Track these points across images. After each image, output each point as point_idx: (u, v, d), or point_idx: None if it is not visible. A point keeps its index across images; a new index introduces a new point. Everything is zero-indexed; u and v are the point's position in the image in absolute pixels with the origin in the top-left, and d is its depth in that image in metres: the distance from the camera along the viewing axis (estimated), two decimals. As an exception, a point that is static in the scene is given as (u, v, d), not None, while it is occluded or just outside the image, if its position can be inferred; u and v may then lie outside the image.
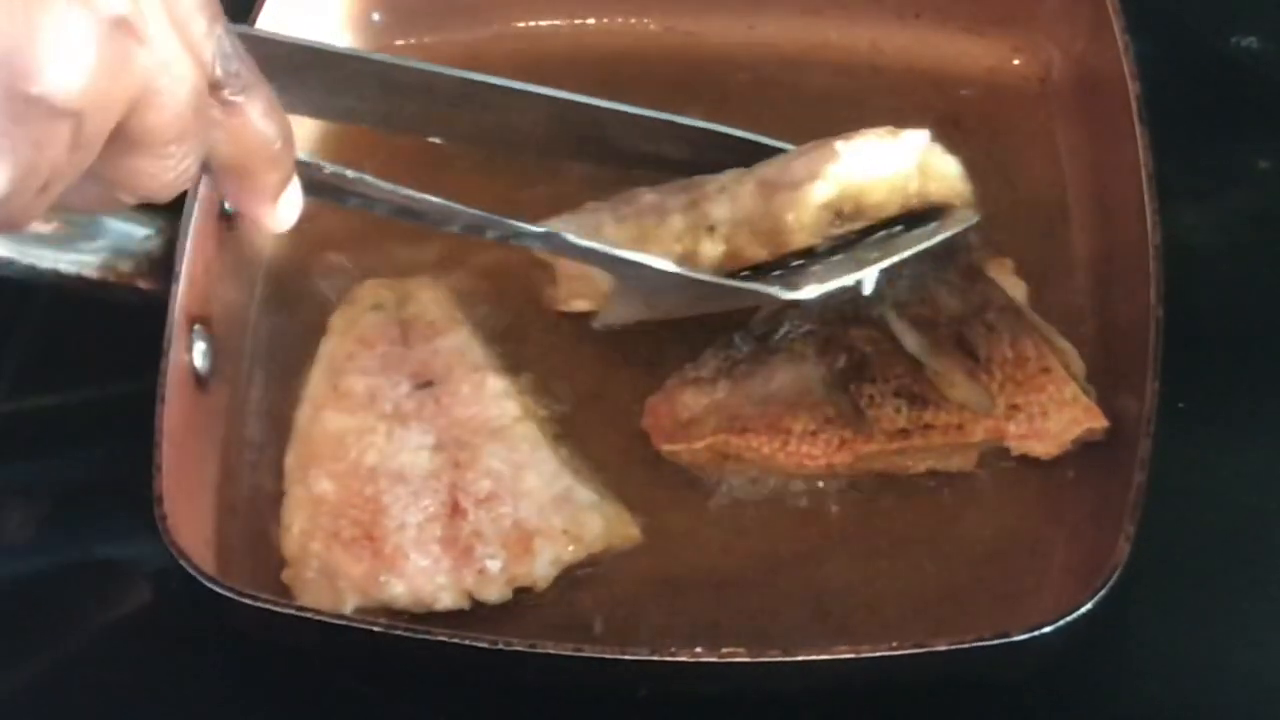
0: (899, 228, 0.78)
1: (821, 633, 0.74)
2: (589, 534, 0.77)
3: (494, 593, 0.75)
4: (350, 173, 0.67)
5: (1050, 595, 0.75)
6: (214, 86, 0.56)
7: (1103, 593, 0.69)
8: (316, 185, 0.65)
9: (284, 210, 0.63)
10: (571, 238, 0.73)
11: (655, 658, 0.69)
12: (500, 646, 0.69)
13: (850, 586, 0.77)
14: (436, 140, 0.83)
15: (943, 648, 0.68)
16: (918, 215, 0.79)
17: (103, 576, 0.82)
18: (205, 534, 0.77)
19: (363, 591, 0.75)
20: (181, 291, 0.79)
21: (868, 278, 0.75)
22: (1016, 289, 0.82)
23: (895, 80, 0.93)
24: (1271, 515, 0.80)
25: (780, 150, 0.81)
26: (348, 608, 0.75)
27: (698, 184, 0.79)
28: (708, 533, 0.79)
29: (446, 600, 0.75)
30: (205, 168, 0.58)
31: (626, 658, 0.69)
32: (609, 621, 0.76)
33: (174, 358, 0.77)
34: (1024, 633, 0.68)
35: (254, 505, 0.80)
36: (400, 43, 0.94)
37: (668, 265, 0.74)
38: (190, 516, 0.76)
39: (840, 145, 0.76)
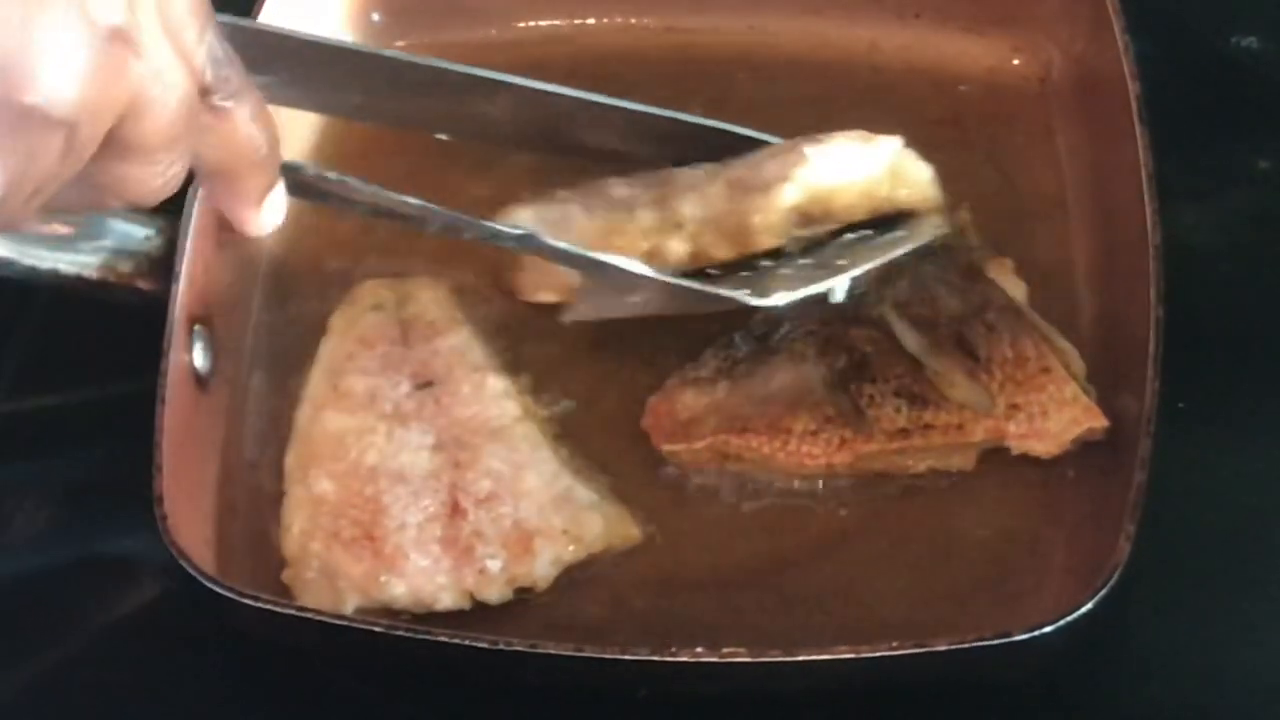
0: (868, 231, 0.78)
1: (822, 633, 0.74)
2: (589, 534, 0.77)
3: (494, 593, 0.75)
4: (332, 175, 0.68)
5: (1050, 595, 0.75)
6: (204, 92, 0.56)
7: (1103, 592, 0.69)
8: (299, 186, 0.66)
9: (268, 214, 0.63)
10: (548, 240, 0.73)
11: (656, 658, 0.69)
12: (501, 647, 0.69)
13: (850, 586, 0.77)
14: (443, 136, 0.83)
15: (943, 648, 0.68)
16: (887, 219, 0.78)
17: (103, 576, 0.82)
18: (205, 534, 0.78)
19: (363, 592, 0.75)
20: (181, 291, 0.79)
21: (838, 286, 0.75)
22: (1016, 289, 0.82)
23: (895, 80, 0.93)
24: (1271, 515, 0.80)
25: (762, 142, 0.81)
26: (348, 608, 0.75)
27: (669, 179, 0.79)
28: (708, 533, 0.79)
29: (447, 600, 0.75)
30: (191, 171, 0.58)
31: (627, 658, 0.69)
32: (609, 622, 0.76)
33: (174, 358, 0.77)
34: (1024, 632, 0.68)
35: (254, 505, 0.80)
36: (400, 43, 0.94)
37: (643, 269, 0.74)
38: (190, 516, 0.76)
39: (810, 149, 0.76)
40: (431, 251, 0.85)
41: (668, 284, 0.74)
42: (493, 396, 0.80)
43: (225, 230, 0.82)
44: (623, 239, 0.76)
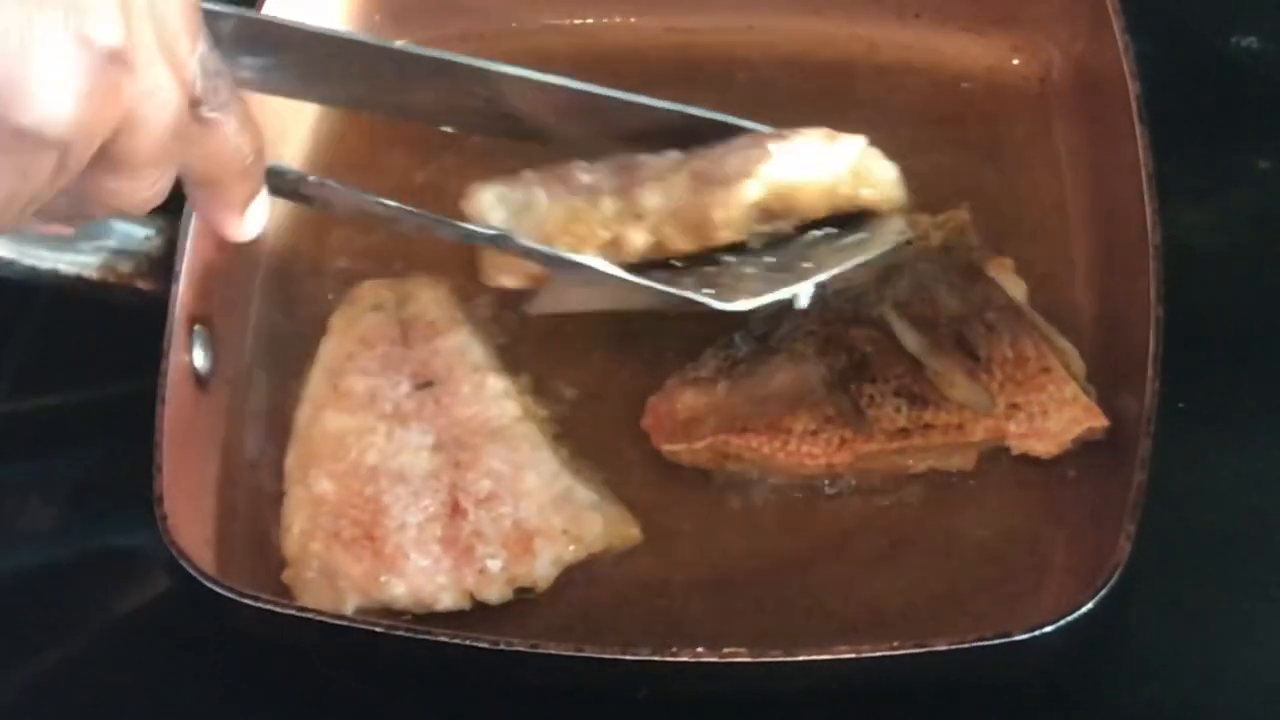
0: (832, 230, 0.77)
1: (822, 633, 0.74)
2: (589, 534, 0.77)
3: (494, 593, 0.75)
4: (312, 178, 0.69)
5: (1051, 595, 0.75)
6: (193, 103, 0.56)
7: (1103, 592, 0.69)
8: (278, 187, 0.66)
9: (251, 220, 0.63)
10: (521, 240, 0.73)
11: (656, 658, 0.69)
12: (501, 647, 0.69)
13: (850, 586, 0.77)
14: (447, 128, 0.83)
15: (943, 648, 0.68)
16: (850, 217, 0.78)
17: (103, 577, 0.82)
18: (205, 534, 0.78)
19: (363, 592, 0.75)
20: (181, 291, 0.79)
21: (803, 292, 0.75)
22: (1016, 289, 0.82)
23: (895, 80, 0.93)
24: (1271, 515, 0.80)
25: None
26: (348, 608, 0.75)
27: (633, 167, 0.78)
28: (708, 533, 0.79)
29: (447, 600, 0.75)
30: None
31: (627, 658, 0.69)
32: (609, 622, 0.76)
33: (174, 358, 0.77)
34: (1025, 632, 0.68)
35: (254, 505, 0.80)
36: (399, 42, 0.93)
37: (614, 270, 0.73)
38: (190, 516, 0.76)
39: (773, 145, 0.75)
40: (431, 251, 0.85)
41: (636, 283, 0.74)
42: (493, 396, 0.80)
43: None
44: (584, 226, 0.75)
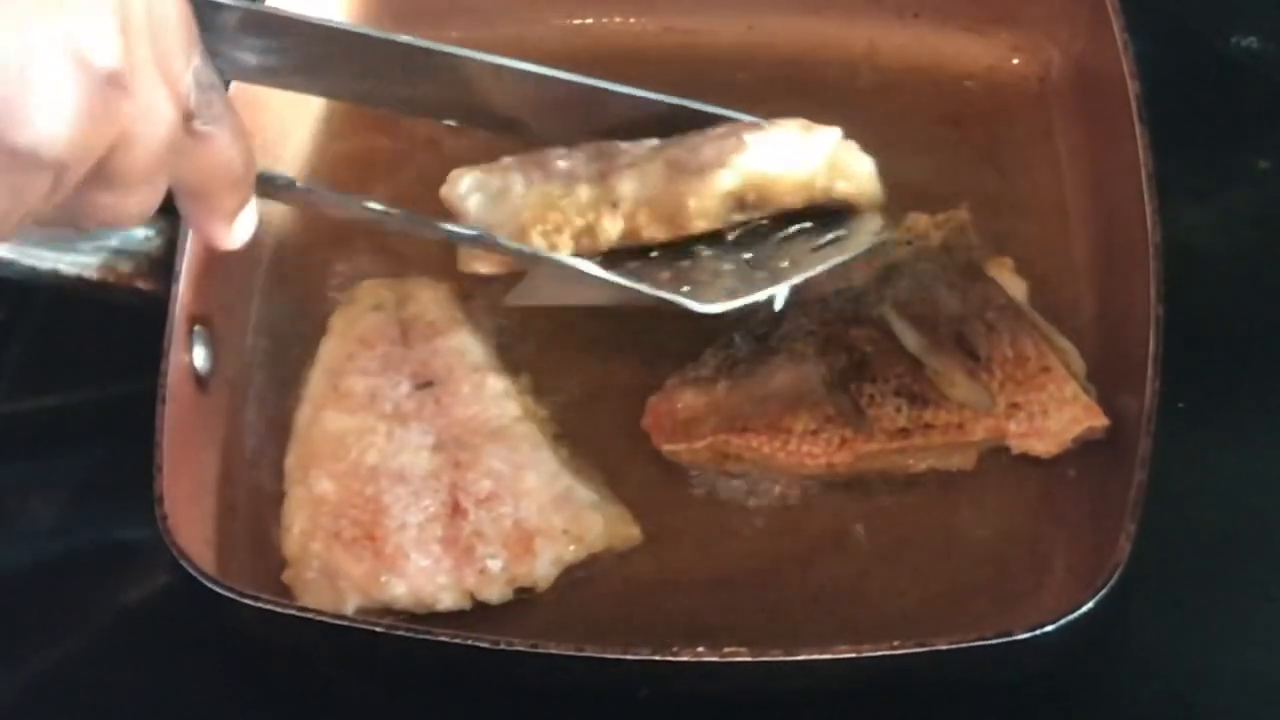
0: (807, 224, 0.77)
1: (822, 632, 0.74)
2: (590, 534, 0.77)
3: (495, 593, 0.75)
4: (300, 184, 0.70)
5: (1051, 595, 0.75)
6: (187, 117, 0.55)
7: (1103, 592, 0.69)
8: (269, 194, 0.66)
9: (239, 229, 0.63)
10: (502, 239, 0.73)
11: (657, 658, 0.69)
12: (502, 646, 0.69)
13: (851, 586, 0.77)
14: (450, 122, 0.83)
15: (944, 647, 0.68)
16: (827, 212, 0.78)
17: (103, 577, 0.82)
18: (205, 534, 0.77)
19: (364, 592, 0.75)
20: (181, 291, 0.79)
21: (779, 294, 0.75)
22: (1016, 288, 0.82)
23: (894, 80, 0.93)
24: (1271, 515, 0.80)
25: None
26: (349, 608, 0.75)
27: (611, 154, 0.78)
28: (707, 533, 0.79)
29: (448, 600, 0.75)
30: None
31: (628, 658, 0.69)
32: (610, 622, 0.76)
33: (174, 358, 0.77)
34: (1025, 632, 0.68)
35: (254, 505, 0.80)
36: (404, 36, 0.94)
37: (594, 269, 0.73)
38: (190, 516, 0.76)
39: (749, 136, 0.75)
40: (431, 251, 0.85)
41: (612, 282, 0.74)
42: (493, 396, 0.80)
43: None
44: (559, 214, 0.75)
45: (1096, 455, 0.78)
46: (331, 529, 0.76)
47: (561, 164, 0.77)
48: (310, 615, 0.73)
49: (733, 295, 0.72)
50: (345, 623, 0.73)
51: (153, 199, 0.56)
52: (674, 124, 0.78)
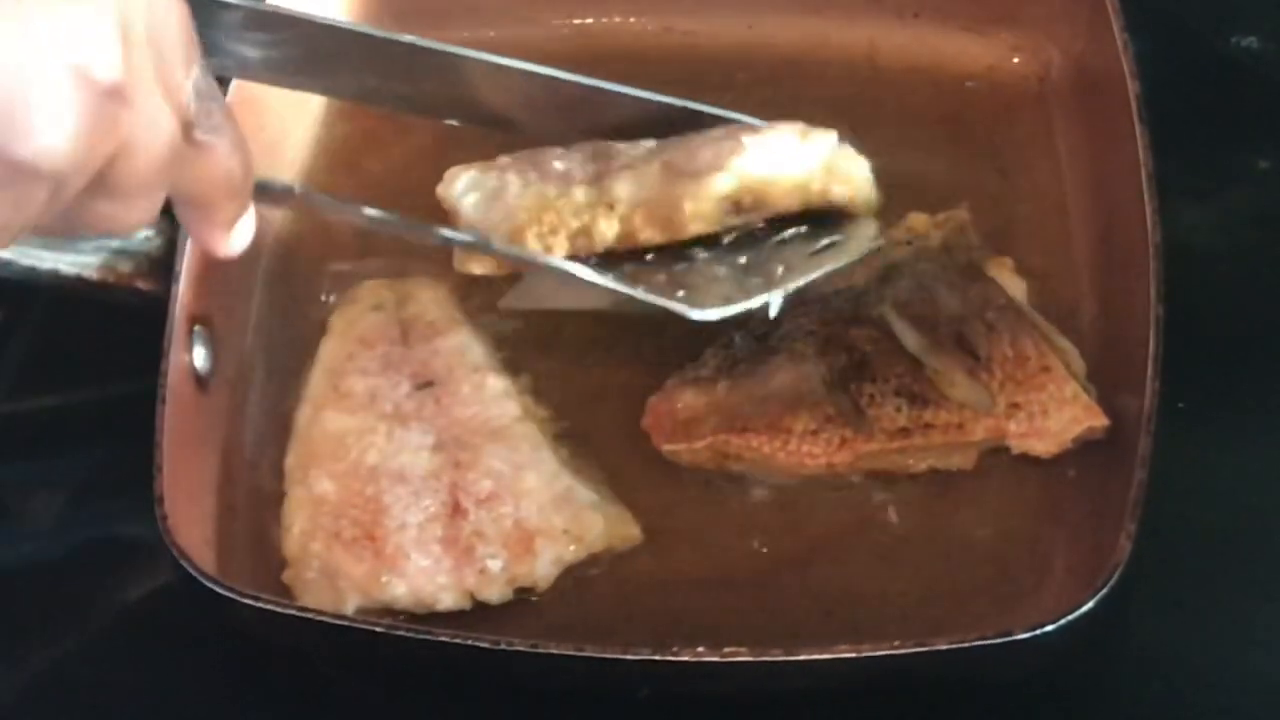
0: (803, 228, 0.77)
1: (823, 632, 0.74)
2: (590, 534, 0.77)
3: (495, 593, 0.75)
4: (298, 189, 0.71)
5: (1051, 594, 0.75)
6: (186, 127, 0.55)
7: (1103, 592, 0.69)
8: (267, 200, 0.66)
9: (237, 237, 0.63)
10: (497, 245, 0.73)
11: (657, 657, 0.69)
12: (502, 647, 0.69)
13: (851, 586, 0.77)
14: (453, 122, 0.83)
15: (944, 647, 0.68)
16: (823, 216, 0.78)
17: (102, 577, 0.82)
18: (205, 534, 0.78)
19: (364, 592, 0.75)
20: (181, 291, 0.79)
21: (774, 300, 0.75)
22: (1016, 288, 0.82)
23: (894, 80, 0.93)
24: (1271, 515, 0.80)
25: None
26: (349, 608, 0.75)
27: (607, 155, 0.78)
28: (708, 532, 0.79)
29: (448, 600, 0.75)
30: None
31: (628, 658, 0.69)
32: (610, 621, 0.76)
33: (174, 358, 0.77)
34: (1025, 632, 0.68)
35: (254, 505, 0.80)
36: (408, 35, 0.94)
37: (589, 274, 0.73)
38: (190, 516, 0.76)
39: (747, 139, 0.75)
40: (431, 252, 0.85)
41: (608, 287, 0.74)
42: (493, 396, 0.80)
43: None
44: (554, 215, 0.75)
45: (1096, 455, 0.78)
46: (331, 529, 0.76)
47: (558, 165, 0.77)
48: (310, 615, 0.73)
49: (728, 301, 0.72)
50: (345, 623, 0.73)
51: (152, 208, 0.56)
52: (673, 124, 0.78)
